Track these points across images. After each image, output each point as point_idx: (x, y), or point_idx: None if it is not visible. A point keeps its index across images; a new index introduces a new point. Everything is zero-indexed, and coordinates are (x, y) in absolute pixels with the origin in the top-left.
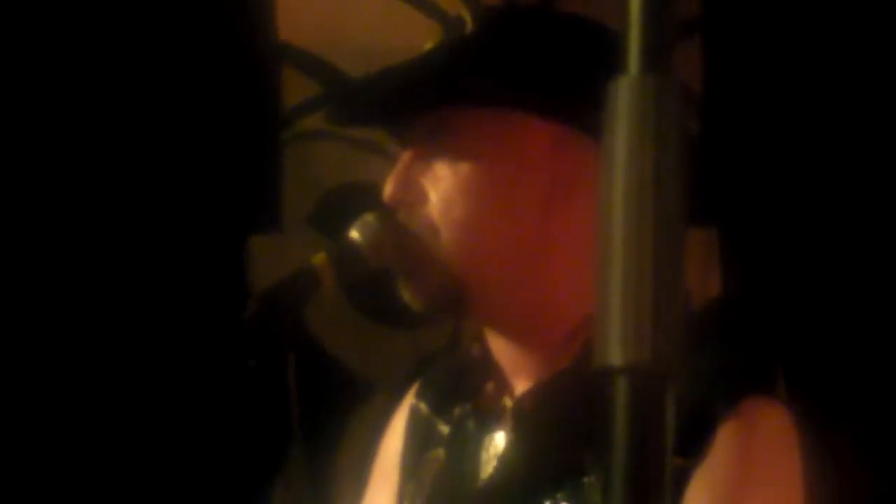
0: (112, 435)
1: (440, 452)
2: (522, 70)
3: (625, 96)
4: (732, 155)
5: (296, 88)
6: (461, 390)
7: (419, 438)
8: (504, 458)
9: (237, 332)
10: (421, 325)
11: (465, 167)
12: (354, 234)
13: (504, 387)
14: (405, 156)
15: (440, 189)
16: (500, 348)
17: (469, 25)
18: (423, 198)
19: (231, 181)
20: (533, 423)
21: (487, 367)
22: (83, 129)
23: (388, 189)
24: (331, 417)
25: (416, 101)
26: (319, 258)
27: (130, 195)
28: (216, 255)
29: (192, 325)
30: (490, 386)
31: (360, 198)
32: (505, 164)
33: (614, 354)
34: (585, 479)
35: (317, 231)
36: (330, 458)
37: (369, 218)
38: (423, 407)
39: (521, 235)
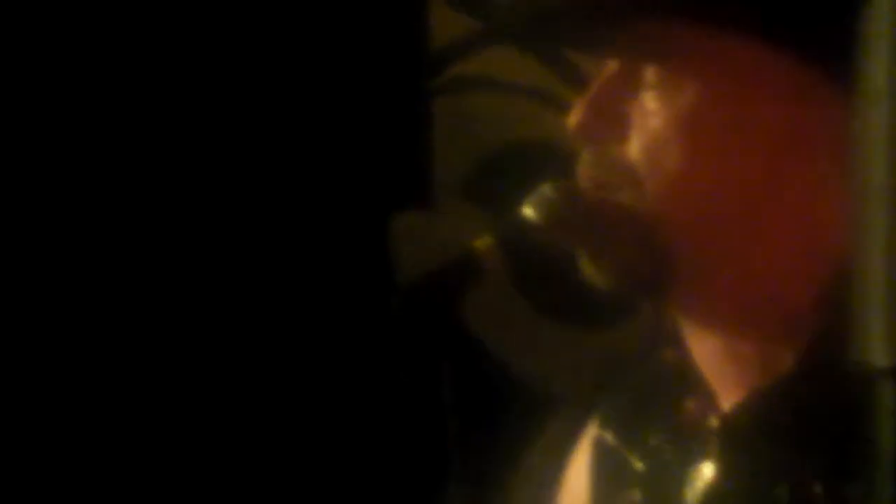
0: (244, 441)
1: (635, 495)
2: None
3: (878, 26)
4: None
5: (446, 26)
6: (654, 412)
7: (608, 477)
8: (712, 495)
9: (382, 334)
10: (613, 324)
11: (684, 101)
12: (528, 210)
13: (708, 402)
14: (601, 78)
15: (648, 126)
16: (703, 350)
17: None
18: (620, 134)
19: (369, 145)
20: (748, 446)
21: (686, 377)
22: (214, 86)
23: (576, 118)
24: (497, 439)
25: (626, 9)
26: (483, 241)
27: (257, 162)
28: (355, 238)
29: (329, 325)
30: (690, 403)
31: (529, 162)
32: (734, 103)
33: (878, 353)
34: None
35: (475, 204)
36: (497, 490)
37: (546, 189)
38: (610, 437)
39: (742, 194)
